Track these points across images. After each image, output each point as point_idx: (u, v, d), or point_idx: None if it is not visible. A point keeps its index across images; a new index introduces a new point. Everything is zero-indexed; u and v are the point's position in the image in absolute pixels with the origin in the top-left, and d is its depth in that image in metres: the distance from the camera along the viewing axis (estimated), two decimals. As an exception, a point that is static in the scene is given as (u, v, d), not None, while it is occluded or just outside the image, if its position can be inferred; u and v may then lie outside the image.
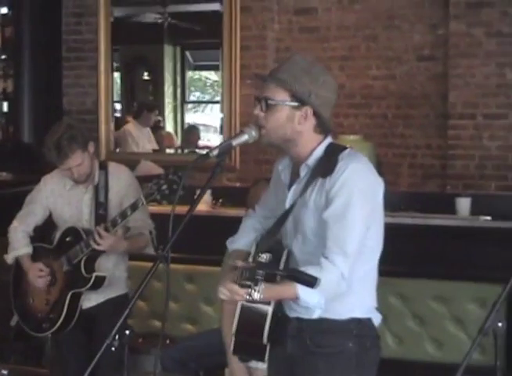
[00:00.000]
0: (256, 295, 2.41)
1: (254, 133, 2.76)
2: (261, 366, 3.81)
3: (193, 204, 2.70)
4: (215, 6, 7.17)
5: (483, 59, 6.22)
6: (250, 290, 2.41)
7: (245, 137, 2.76)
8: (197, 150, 8.63)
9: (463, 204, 5.15)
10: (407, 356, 4.74)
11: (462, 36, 6.24)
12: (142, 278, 2.61)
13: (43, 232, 4.33)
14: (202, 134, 9.14)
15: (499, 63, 6.19)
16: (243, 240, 3.05)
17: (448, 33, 6.32)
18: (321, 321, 2.74)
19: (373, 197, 2.74)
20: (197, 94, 10.88)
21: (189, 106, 9.76)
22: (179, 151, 8.41)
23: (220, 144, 2.77)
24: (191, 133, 9.07)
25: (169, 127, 8.66)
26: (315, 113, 2.74)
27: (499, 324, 2.63)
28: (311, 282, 2.40)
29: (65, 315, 4.08)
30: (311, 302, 2.60)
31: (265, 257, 2.48)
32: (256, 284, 2.40)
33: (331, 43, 6.76)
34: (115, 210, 4.00)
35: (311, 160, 2.77)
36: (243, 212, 4.66)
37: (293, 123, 2.73)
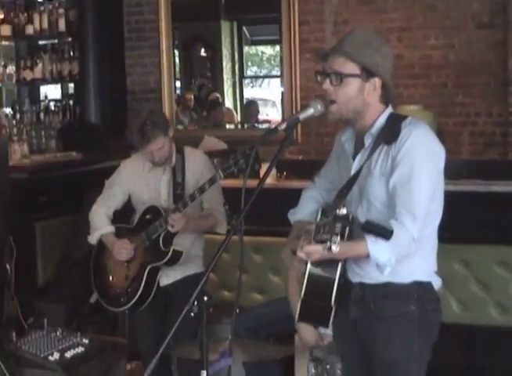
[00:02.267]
0: (334, 247, 2.46)
1: (319, 107, 2.86)
2: (329, 332, 3.95)
3: (263, 177, 2.82)
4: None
5: (543, 25, 6.21)
6: (328, 243, 2.47)
7: (311, 111, 2.86)
8: (257, 125, 8.75)
9: (526, 171, 5.18)
10: (472, 321, 4.79)
11: (520, 2, 6.24)
12: (216, 249, 2.73)
13: (123, 216, 4.52)
14: (260, 108, 9.23)
15: (559, 28, 6.17)
16: (304, 211, 3.16)
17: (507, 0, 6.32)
18: (383, 285, 2.85)
19: (436, 162, 2.84)
20: (254, 69, 10.94)
21: (247, 81, 9.83)
22: (239, 126, 8.53)
23: (287, 118, 2.88)
24: (251, 108, 9.16)
25: (228, 103, 8.76)
26: (383, 84, 2.84)
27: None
28: (385, 234, 2.48)
29: (142, 290, 4.26)
30: (382, 260, 2.68)
31: (340, 211, 2.54)
32: (335, 235, 2.45)
33: (389, 14, 6.78)
34: (192, 190, 4.17)
35: (375, 129, 2.87)
36: (307, 184, 4.79)
37: (363, 94, 2.83)
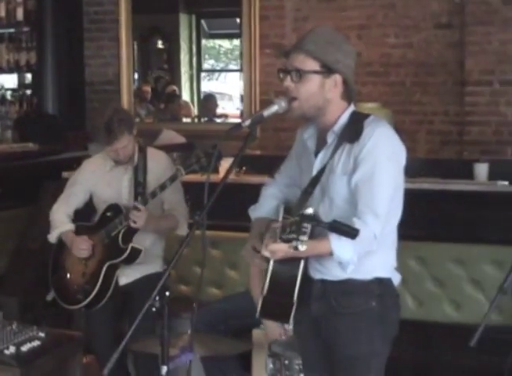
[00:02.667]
0: (301, 247, 2.48)
1: (283, 104, 2.88)
2: (290, 327, 3.98)
3: (227, 174, 2.84)
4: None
5: (499, 27, 6.30)
6: (294, 243, 2.49)
7: (275, 108, 2.88)
8: (215, 119, 8.74)
9: (481, 170, 5.25)
10: (426, 318, 4.86)
11: (478, 3, 6.33)
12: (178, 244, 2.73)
13: (84, 215, 4.50)
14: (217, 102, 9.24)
15: (515, 30, 6.27)
16: (264, 208, 3.18)
17: (464, 0, 6.40)
18: (344, 282, 2.88)
19: (398, 161, 2.87)
20: (211, 62, 10.94)
21: (203, 74, 9.82)
22: (196, 120, 8.52)
23: (252, 115, 2.89)
24: (209, 102, 9.15)
25: (185, 96, 8.75)
26: (344, 81, 2.87)
27: (518, 284, 2.77)
28: (351, 233, 2.51)
29: (99, 287, 4.24)
30: (345, 258, 2.72)
31: (308, 211, 2.57)
32: (302, 235, 2.47)
33: (349, 12, 6.83)
34: (152, 189, 4.16)
35: (338, 127, 2.90)
36: (266, 180, 4.80)
37: (324, 91, 2.86)
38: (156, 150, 4.49)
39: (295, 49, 2.89)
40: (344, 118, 2.90)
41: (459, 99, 6.53)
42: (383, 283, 2.92)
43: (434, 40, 6.64)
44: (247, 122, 2.84)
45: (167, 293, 2.68)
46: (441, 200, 5.02)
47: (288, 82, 2.88)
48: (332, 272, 2.88)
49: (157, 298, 2.66)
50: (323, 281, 2.92)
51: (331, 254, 2.72)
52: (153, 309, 2.67)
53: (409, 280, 4.74)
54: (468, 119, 6.47)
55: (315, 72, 2.85)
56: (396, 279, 2.98)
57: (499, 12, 6.28)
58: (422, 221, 4.69)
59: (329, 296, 2.91)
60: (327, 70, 2.85)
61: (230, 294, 4.95)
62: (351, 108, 2.93)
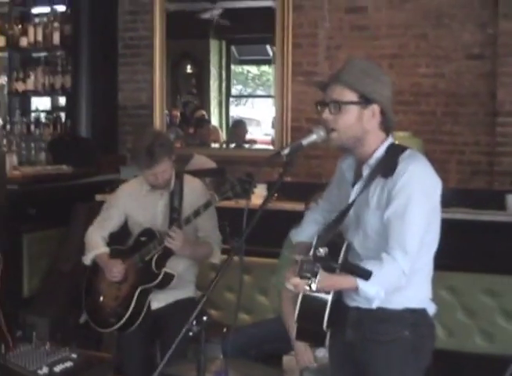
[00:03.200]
0: (314, 286, 2.56)
1: (322, 133, 2.92)
2: (322, 354, 4.00)
3: (266, 200, 2.88)
4: (268, 3, 7.34)
5: (531, 58, 6.32)
6: (309, 281, 2.56)
7: (314, 137, 2.92)
8: (243, 144, 8.79)
9: (513, 201, 5.26)
10: (457, 348, 4.86)
11: (511, 35, 6.34)
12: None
13: (119, 238, 4.55)
14: (245, 128, 9.29)
15: (547, 61, 6.28)
16: (305, 232, 3.23)
17: (497, 32, 6.42)
18: (378, 310, 2.89)
19: (431, 197, 2.90)
20: (239, 87, 11.02)
21: (231, 99, 9.88)
22: (224, 145, 8.57)
23: (291, 144, 2.93)
24: (239, 127, 9.20)
25: (214, 121, 8.81)
26: (381, 111, 2.90)
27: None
28: (364, 275, 2.58)
29: (132, 310, 4.28)
30: (370, 294, 2.76)
31: (322, 251, 2.61)
32: (314, 276, 2.55)
33: (381, 41, 6.86)
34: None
35: (373, 161, 2.93)
36: (297, 206, 4.83)
37: (362, 122, 2.90)
38: (191, 177, 4.54)
39: (333, 81, 2.93)
40: (381, 151, 2.94)
41: (490, 130, 6.53)
42: (416, 313, 2.94)
43: (465, 70, 6.65)
44: (286, 150, 2.88)
45: (205, 318, 2.71)
46: (473, 230, 5.03)
47: (326, 114, 2.92)
48: (367, 301, 2.90)
49: (195, 322, 2.69)
50: (358, 309, 2.95)
51: (357, 288, 2.76)
52: (190, 334, 2.70)
53: (440, 310, 4.71)
54: (499, 149, 6.46)
55: (353, 103, 2.89)
56: (431, 309, 3.00)
57: (532, 43, 6.30)
58: (453, 251, 4.67)
59: (364, 323, 2.95)
60: (365, 100, 2.89)
61: (260, 319, 4.97)
62: (389, 140, 2.97)
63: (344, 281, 2.77)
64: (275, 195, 5.79)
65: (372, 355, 2.94)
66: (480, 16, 6.54)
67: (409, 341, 2.91)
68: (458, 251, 4.83)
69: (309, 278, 2.57)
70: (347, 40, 6.94)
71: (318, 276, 2.56)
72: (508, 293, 4.81)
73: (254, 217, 2.77)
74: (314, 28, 7.03)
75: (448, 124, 6.75)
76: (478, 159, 6.66)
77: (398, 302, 2.90)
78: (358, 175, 2.99)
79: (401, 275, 2.77)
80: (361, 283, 2.73)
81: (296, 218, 4.41)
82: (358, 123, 2.90)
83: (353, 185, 2.99)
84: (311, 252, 2.92)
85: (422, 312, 2.96)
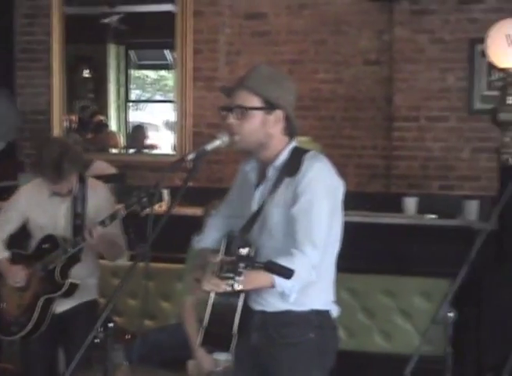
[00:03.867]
0: (237, 286, 2.59)
1: (225, 139, 2.94)
2: (224, 357, 4.02)
3: (171, 206, 2.89)
4: (167, 7, 7.33)
5: (426, 65, 6.51)
6: (231, 281, 2.58)
7: (218, 142, 2.94)
8: (143, 150, 8.73)
9: (410, 203, 5.41)
10: (358, 348, 4.96)
11: (406, 42, 6.52)
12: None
13: (18, 240, 4.45)
14: (144, 133, 9.24)
15: (441, 68, 6.48)
16: (208, 238, 3.23)
17: (392, 39, 6.60)
18: (284, 313, 2.94)
19: (334, 196, 2.96)
20: (137, 92, 10.96)
21: (130, 104, 9.81)
22: (124, 151, 8.50)
23: (195, 150, 2.94)
24: (138, 132, 9.14)
25: (113, 126, 8.73)
26: (285, 117, 2.95)
27: (450, 314, 2.87)
28: (286, 274, 2.61)
29: (36, 320, 4.20)
30: (287, 288, 2.80)
31: (244, 250, 2.65)
32: (238, 275, 2.58)
33: (281, 47, 6.95)
34: (91, 222, 4.14)
35: (278, 162, 2.97)
36: (199, 211, 4.85)
37: (266, 127, 2.94)
38: (95, 180, 4.47)
39: (238, 87, 2.96)
40: (285, 154, 2.99)
41: (387, 134, 6.69)
42: (321, 315, 2.99)
43: (363, 76, 6.80)
44: (191, 156, 2.89)
45: (111, 324, 2.70)
46: (372, 232, 5.13)
47: (231, 119, 2.94)
48: (271, 304, 2.94)
49: (100, 329, 2.68)
50: (263, 312, 2.98)
51: (273, 285, 2.79)
52: (97, 341, 2.69)
53: (340, 311, 4.82)
54: (396, 153, 6.63)
55: (258, 108, 2.92)
56: (334, 311, 3.06)
57: (426, 50, 6.49)
58: (352, 253, 4.77)
59: (269, 327, 2.97)
60: (269, 106, 2.93)
61: (163, 325, 4.96)
62: (293, 144, 3.02)
63: (262, 278, 2.80)
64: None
65: (277, 358, 2.97)
66: (376, 23, 6.70)
67: (314, 344, 2.96)
68: (357, 253, 4.94)
69: (231, 278, 2.59)
70: (247, 46, 7.00)
71: (242, 276, 2.58)
72: (405, 293, 4.94)
73: (159, 223, 2.77)
74: (214, 34, 7.07)
75: (347, 128, 6.88)
76: (376, 163, 6.81)
77: (304, 304, 2.94)
78: (262, 177, 3.03)
79: (311, 268, 2.82)
80: (278, 278, 2.75)
81: (197, 224, 4.45)
82: (263, 128, 2.94)
83: (256, 186, 3.03)
84: (222, 255, 2.94)
85: (326, 314, 3.02)
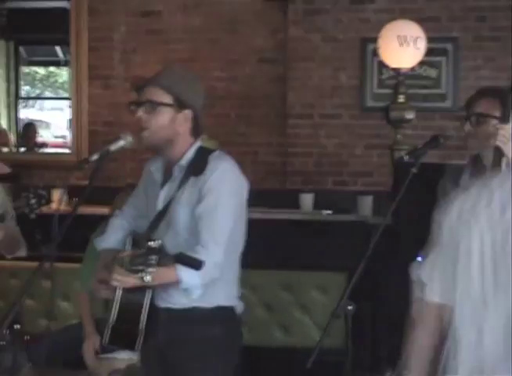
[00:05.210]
0: (147, 278, 2.61)
1: (129, 139, 2.97)
2: (126, 356, 4.05)
3: (76, 205, 2.89)
4: (61, 4, 7.27)
5: (319, 63, 6.65)
6: (141, 274, 2.61)
7: (122, 143, 2.95)
8: (35, 148, 8.62)
9: (306, 199, 5.53)
10: (257, 343, 5.03)
11: (300, 41, 6.65)
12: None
13: None
14: (33, 130, 9.12)
15: (333, 66, 6.64)
16: (111, 239, 3.23)
17: (287, 38, 6.72)
18: (189, 310, 2.98)
19: (239, 195, 3.05)
20: (26, 88, 10.80)
21: (19, 100, 9.68)
22: (15, 149, 8.37)
23: (100, 150, 2.95)
24: (29, 130, 9.03)
25: (3, 123, 8.59)
26: (193, 117, 3.01)
27: (349, 307, 2.98)
28: (196, 265, 2.66)
29: None
30: (191, 283, 2.86)
31: (155, 244, 2.67)
32: (149, 267, 2.60)
33: (176, 45, 6.98)
34: None
35: (184, 161, 3.02)
36: (96, 210, 4.84)
37: (174, 125, 2.99)
38: None
39: (150, 83, 3.00)
40: (191, 153, 3.04)
41: (282, 131, 6.81)
42: (225, 311, 3.05)
43: (257, 74, 6.90)
44: (95, 157, 2.90)
45: (17, 326, 2.69)
46: (269, 228, 5.21)
47: (140, 113, 2.98)
48: (177, 301, 2.98)
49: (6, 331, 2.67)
50: (169, 309, 3.01)
51: (178, 281, 2.84)
52: (2, 343, 2.68)
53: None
54: (290, 150, 6.75)
55: (168, 105, 2.97)
56: (239, 307, 3.12)
57: (319, 49, 6.63)
58: (250, 249, 4.86)
59: (175, 324, 3.01)
60: (179, 104, 2.98)
61: (65, 325, 4.93)
62: (198, 143, 3.07)
63: (167, 273, 2.84)
64: (75, 199, 5.77)
65: (183, 355, 3.01)
66: (271, 22, 6.82)
67: (219, 340, 3.01)
68: (255, 249, 5.01)
69: (141, 270, 2.61)
70: (142, 44, 7.01)
71: (152, 268, 2.61)
72: (304, 287, 5.04)
73: (64, 223, 2.77)
74: (110, 32, 7.05)
75: (242, 126, 6.97)
76: (271, 160, 6.93)
77: (209, 300, 3.00)
78: (167, 176, 3.07)
79: (215, 265, 2.89)
80: (183, 275, 2.82)
81: (95, 223, 4.45)
82: (171, 125, 2.99)
83: (162, 186, 3.07)
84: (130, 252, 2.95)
85: (231, 310, 3.08)
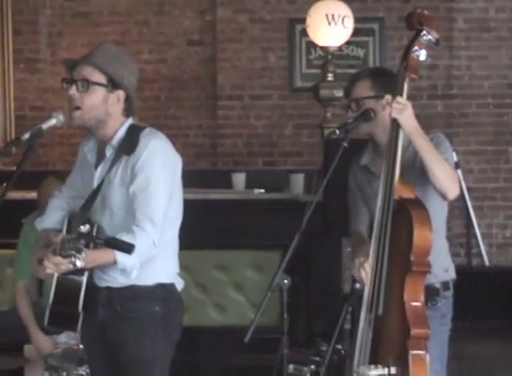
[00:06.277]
0: (79, 263, 2.62)
1: (61, 117, 2.95)
2: (63, 339, 4.03)
3: (7, 188, 2.86)
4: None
5: (248, 44, 6.68)
6: (73, 259, 2.61)
7: (53, 121, 2.93)
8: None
9: (239, 179, 5.55)
10: (193, 323, 5.03)
11: (228, 22, 6.67)
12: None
13: None
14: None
15: (262, 47, 6.68)
16: (50, 219, 3.20)
17: (215, 19, 6.72)
18: (129, 288, 2.98)
19: (172, 171, 3.05)
20: None
21: None
22: None
23: (31, 129, 2.92)
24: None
25: None
26: (126, 98, 3.00)
27: (285, 281, 3.02)
28: (127, 249, 2.66)
29: None
30: (128, 264, 2.85)
31: (84, 228, 2.67)
32: (79, 252, 2.61)
33: (103, 28, 6.93)
34: None
35: (115, 141, 3.01)
36: (26, 195, 4.79)
37: (107, 105, 2.97)
38: None
39: (84, 61, 2.98)
40: (122, 132, 3.03)
41: (212, 113, 6.82)
42: (166, 289, 3.05)
43: (186, 56, 6.90)
44: (27, 136, 2.87)
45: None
46: (202, 209, 5.21)
47: (73, 91, 2.95)
48: (116, 280, 2.98)
49: None
50: (109, 288, 3.01)
51: (115, 262, 2.84)
52: None
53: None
54: (221, 132, 6.78)
55: (101, 85, 2.95)
56: (179, 284, 3.13)
57: (247, 30, 6.66)
58: (184, 230, 4.87)
59: (115, 302, 3.00)
60: (112, 84, 2.97)
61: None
62: (129, 122, 3.06)
63: (104, 255, 2.85)
64: (4, 184, 5.69)
65: (123, 332, 3.00)
66: (199, 3, 6.82)
67: (159, 316, 3.02)
68: (188, 229, 5.02)
69: (73, 256, 2.60)
70: (69, 27, 6.93)
71: (82, 253, 2.61)
72: (237, 266, 5.07)
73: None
74: (35, 15, 6.94)
75: (172, 108, 6.97)
76: (202, 141, 6.94)
77: (148, 278, 3.00)
78: (100, 157, 3.06)
79: (151, 244, 2.89)
80: (119, 256, 2.81)
81: (25, 208, 4.40)
82: (103, 105, 2.97)
83: (96, 166, 3.05)
84: (66, 233, 2.94)
85: (171, 287, 3.08)
